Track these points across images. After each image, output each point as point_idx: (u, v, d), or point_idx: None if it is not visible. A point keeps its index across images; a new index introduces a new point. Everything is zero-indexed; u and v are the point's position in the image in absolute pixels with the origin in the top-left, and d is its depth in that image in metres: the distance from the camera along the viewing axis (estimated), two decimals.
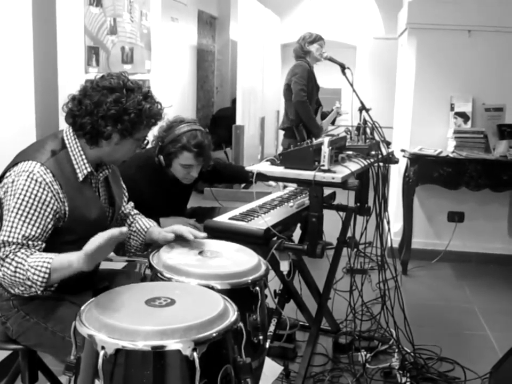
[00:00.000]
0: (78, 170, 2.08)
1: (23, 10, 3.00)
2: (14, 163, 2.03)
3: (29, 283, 1.87)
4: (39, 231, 1.95)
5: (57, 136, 2.12)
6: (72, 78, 3.50)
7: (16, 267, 1.87)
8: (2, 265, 1.89)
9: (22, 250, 1.91)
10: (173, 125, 2.95)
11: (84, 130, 2.04)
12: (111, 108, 2.00)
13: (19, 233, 1.92)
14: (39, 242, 1.96)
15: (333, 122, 5.33)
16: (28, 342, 2.11)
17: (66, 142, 2.09)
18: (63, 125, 2.15)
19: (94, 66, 3.85)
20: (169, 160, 2.95)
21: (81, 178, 2.09)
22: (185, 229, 2.24)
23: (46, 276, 1.86)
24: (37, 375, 2.24)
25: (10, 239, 1.91)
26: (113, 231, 1.81)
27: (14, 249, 1.90)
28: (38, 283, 1.86)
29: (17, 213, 1.92)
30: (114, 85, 2.04)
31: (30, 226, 1.93)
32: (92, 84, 2.07)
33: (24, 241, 1.92)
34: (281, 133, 5.44)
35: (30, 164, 1.97)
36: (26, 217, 1.93)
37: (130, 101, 2.02)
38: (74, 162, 2.08)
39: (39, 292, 1.90)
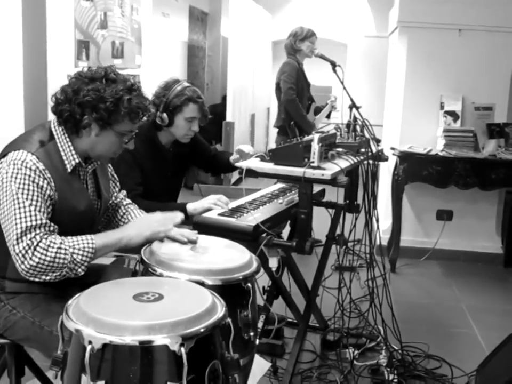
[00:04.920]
0: (66, 162, 2.08)
1: (13, 4, 2.98)
2: (3, 154, 2.02)
3: (72, 265, 1.93)
4: (45, 215, 1.96)
5: (44, 127, 2.11)
6: (62, 72, 3.48)
7: (56, 252, 1.90)
8: (34, 253, 1.89)
9: (53, 236, 1.94)
10: (170, 84, 3.02)
11: (62, 117, 2.04)
12: (87, 95, 2.01)
13: (36, 216, 1.93)
14: (55, 226, 1.99)
15: (328, 116, 5.32)
16: (15, 336, 2.09)
17: (54, 132, 2.09)
18: (52, 118, 2.14)
19: (84, 60, 3.83)
20: (173, 115, 2.99)
21: (69, 170, 2.08)
22: (177, 231, 2.22)
23: (92, 255, 1.96)
24: (24, 370, 2.22)
25: (34, 223, 1.92)
26: (177, 220, 2.13)
27: (41, 234, 1.91)
28: (86, 263, 1.95)
29: (25, 199, 1.92)
30: (97, 75, 2.05)
31: (39, 209, 1.94)
32: (77, 74, 2.09)
33: (43, 222, 1.93)
34: (272, 130, 5.43)
35: (22, 154, 1.97)
36: (32, 200, 1.93)
37: (108, 90, 2.02)
38: (62, 153, 2.07)
39: (82, 273, 1.96)
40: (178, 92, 2.97)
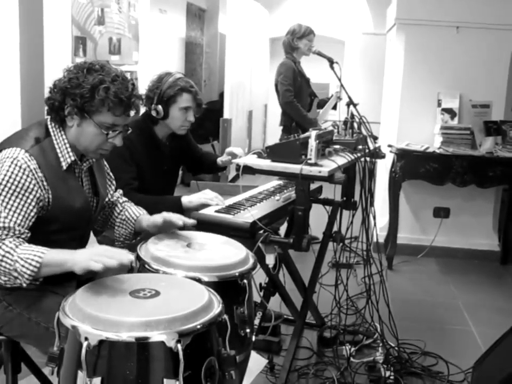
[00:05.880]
0: (61, 159, 2.07)
1: (10, 0, 2.97)
2: None
3: (15, 274, 1.84)
4: (20, 217, 1.92)
5: (41, 124, 2.11)
6: (59, 68, 3.47)
7: (3, 256, 1.84)
8: None
9: (10, 239, 1.88)
10: (163, 76, 3.03)
11: (47, 105, 2.05)
12: (66, 82, 2.02)
13: (6, 218, 1.90)
14: (25, 231, 1.94)
15: (334, 107, 5.29)
16: (11, 333, 2.09)
17: (51, 130, 2.08)
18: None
19: (81, 57, 3.82)
20: (168, 107, 2.99)
21: (65, 167, 2.07)
22: (174, 215, 2.26)
23: (35, 269, 1.82)
24: (20, 367, 2.22)
25: (0, 224, 1.89)
26: (124, 259, 1.80)
27: (0, 235, 1.88)
28: (26, 276, 1.83)
29: (3, 199, 1.90)
30: (84, 65, 2.06)
31: (11, 213, 1.91)
32: (71, 66, 2.10)
33: (10, 226, 1.90)
34: (269, 126, 5.42)
35: (14, 151, 1.96)
36: (7, 203, 1.91)
37: (88, 77, 2.01)
38: (58, 150, 2.07)
39: (24, 285, 1.87)
40: (171, 83, 2.98)
